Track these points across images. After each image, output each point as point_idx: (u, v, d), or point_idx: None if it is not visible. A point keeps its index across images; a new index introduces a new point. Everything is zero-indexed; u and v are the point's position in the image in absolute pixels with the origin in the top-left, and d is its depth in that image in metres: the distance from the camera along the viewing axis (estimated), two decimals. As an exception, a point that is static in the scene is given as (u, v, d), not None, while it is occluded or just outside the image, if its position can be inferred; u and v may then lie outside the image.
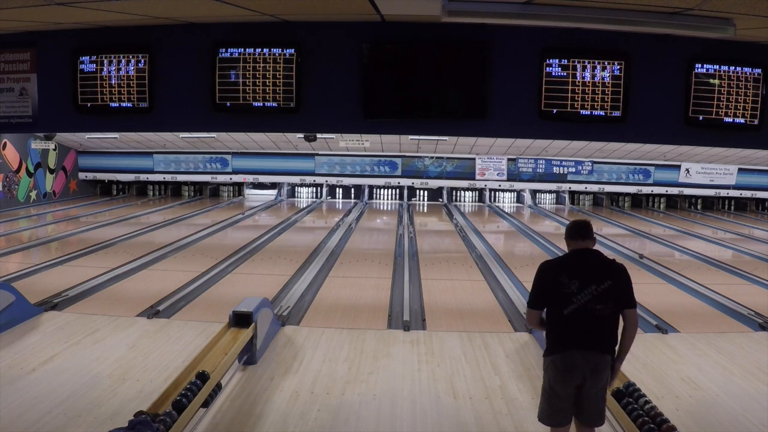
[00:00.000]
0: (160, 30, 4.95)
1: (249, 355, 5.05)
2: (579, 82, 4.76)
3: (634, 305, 3.21)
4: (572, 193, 20.05)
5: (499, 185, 19.18)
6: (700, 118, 4.85)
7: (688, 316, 6.78)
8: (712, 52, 4.81)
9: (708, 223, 16.60)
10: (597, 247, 3.34)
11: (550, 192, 19.99)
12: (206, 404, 4.08)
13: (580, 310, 3.11)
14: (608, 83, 4.76)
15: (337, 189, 20.06)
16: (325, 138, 16.13)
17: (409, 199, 19.45)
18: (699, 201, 19.90)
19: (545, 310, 3.28)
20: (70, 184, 18.34)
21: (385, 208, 18.43)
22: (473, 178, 18.86)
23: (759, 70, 4.82)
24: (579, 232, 3.27)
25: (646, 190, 19.02)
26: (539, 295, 3.26)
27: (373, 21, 4.73)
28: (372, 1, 4.11)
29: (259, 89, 4.89)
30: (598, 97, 4.77)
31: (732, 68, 4.81)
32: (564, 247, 3.38)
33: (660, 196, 19.71)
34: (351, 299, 7.27)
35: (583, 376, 3.13)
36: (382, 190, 19.72)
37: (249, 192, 20.02)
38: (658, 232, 14.30)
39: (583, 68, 4.75)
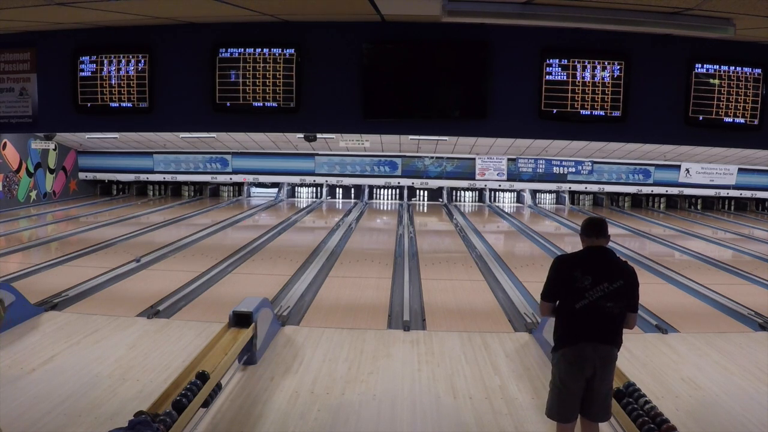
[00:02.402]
0: (160, 30, 4.95)
1: (249, 355, 5.05)
2: (579, 82, 4.75)
3: (637, 309, 3.33)
4: (572, 193, 20.06)
5: (499, 185, 19.19)
6: (700, 118, 4.85)
7: (688, 316, 6.78)
8: (712, 52, 4.80)
9: (708, 223, 16.60)
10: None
11: (550, 192, 20.00)
12: (206, 404, 4.08)
13: (591, 306, 3.17)
14: (608, 83, 4.76)
15: (337, 189, 20.07)
16: (325, 138, 16.13)
17: (409, 199, 19.45)
18: (699, 201, 19.90)
19: (557, 302, 3.34)
20: (70, 184, 18.34)
21: (385, 208, 18.43)
22: (473, 178, 18.87)
23: (759, 70, 4.82)
24: (594, 230, 3.33)
25: (646, 190, 19.03)
26: (553, 287, 3.32)
27: (373, 21, 4.73)
28: (372, 1, 4.11)
29: (259, 89, 4.88)
30: (598, 97, 4.77)
31: (732, 68, 4.80)
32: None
33: (660, 196, 19.72)
34: (351, 299, 7.27)
35: (594, 367, 3.19)
36: (382, 190, 19.73)
37: (254, 190, 20.21)
38: (658, 232, 14.29)
39: (583, 68, 4.74)
